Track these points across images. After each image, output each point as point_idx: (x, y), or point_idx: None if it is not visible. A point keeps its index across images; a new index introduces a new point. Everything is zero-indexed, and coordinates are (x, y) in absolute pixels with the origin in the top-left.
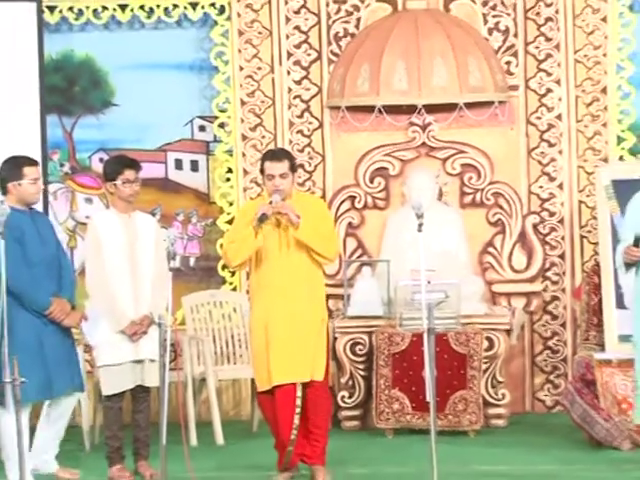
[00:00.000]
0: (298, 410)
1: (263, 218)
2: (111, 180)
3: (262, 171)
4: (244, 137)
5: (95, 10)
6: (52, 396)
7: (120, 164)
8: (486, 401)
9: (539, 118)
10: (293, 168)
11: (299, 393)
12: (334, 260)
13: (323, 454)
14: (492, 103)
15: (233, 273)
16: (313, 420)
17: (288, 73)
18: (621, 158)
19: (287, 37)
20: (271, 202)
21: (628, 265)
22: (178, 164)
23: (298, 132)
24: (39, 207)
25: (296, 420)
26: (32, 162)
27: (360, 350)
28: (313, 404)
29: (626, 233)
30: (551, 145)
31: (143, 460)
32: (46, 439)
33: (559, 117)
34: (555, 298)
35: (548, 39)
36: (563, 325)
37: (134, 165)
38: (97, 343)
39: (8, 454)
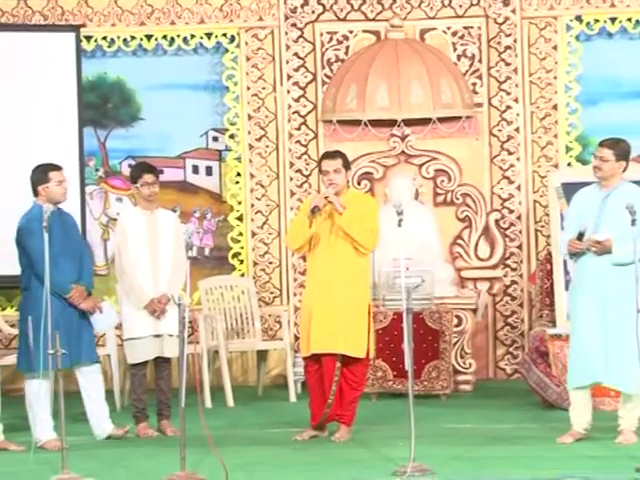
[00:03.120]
0: (336, 379)
1: (315, 210)
2: (134, 183)
3: (320, 170)
4: (251, 146)
5: (125, 39)
6: (70, 367)
7: (140, 169)
8: (455, 369)
9: (500, 130)
10: (346, 166)
11: (338, 364)
12: (370, 250)
13: (352, 416)
14: (460, 118)
15: (242, 262)
16: (346, 391)
17: (288, 92)
18: (569, 164)
19: (287, 62)
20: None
21: (572, 254)
22: (195, 169)
23: (297, 142)
24: (76, 205)
25: (334, 387)
26: (56, 167)
27: None
28: (350, 378)
29: (568, 224)
30: (510, 153)
31: (165, 419)
32: (91, 407)
33: (517, 130)
34: (514, 282)
35: (507, 64)
36: (521, 305)
37: (152, 170)
38: (123, 319)
39: (35, 414)
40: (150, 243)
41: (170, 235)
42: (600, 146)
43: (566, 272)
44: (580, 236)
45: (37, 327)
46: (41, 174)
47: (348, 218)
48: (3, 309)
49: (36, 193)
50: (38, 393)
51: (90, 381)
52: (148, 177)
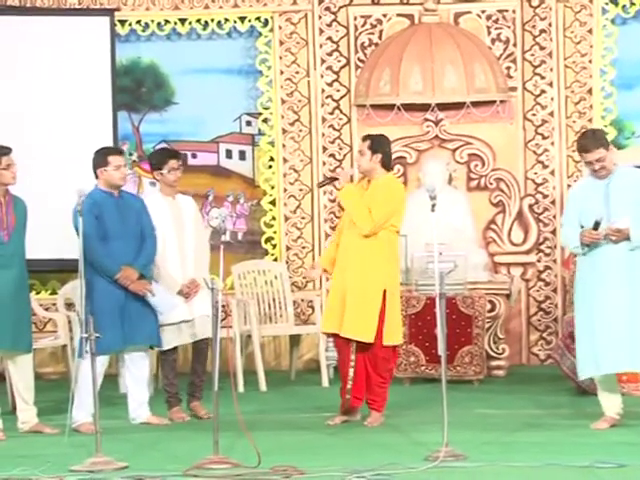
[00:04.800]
0: (352, 364)
1: (322, 182)
2: (158, 169)
3: None
4: (284, 131)
5: (159, 23)
6: (123, 349)
7: (165, 155)
8: (488, 355)
9: (534, 115)
10: (373, 149)
11: (352, 348)
12: (366, 232)
13: (381, 401)
14: (494, 102)
15: (274, 246)
16: (371, 376)
17: (321, 76)
18: None
19: (321, 46)
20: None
21: (584, 246)
22: (228, 153)
23: (330, 127)
24: None
25: (350, 372)
26: (116, 151)
27: None
28: (369, 363)
29: (569, 219)
30: (544, 138)
31: (197, 401)
32: (132, 389)
33: (551, 114)
34: (547, 267)
35: (542, 48)
36: (554, 290)
37: (177, 155)
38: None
39: (81, 395)
40: (176, 229)
41: (192, 219)
42: (587, 152)
43: None
44: (596, 225)
45: (96, 311)
46: (101, 157)
47: (349, 195)
48: (37, 293)
49: (96, 176)
50: (86, 375)
51: (137, 364)
52: (174, 162)
